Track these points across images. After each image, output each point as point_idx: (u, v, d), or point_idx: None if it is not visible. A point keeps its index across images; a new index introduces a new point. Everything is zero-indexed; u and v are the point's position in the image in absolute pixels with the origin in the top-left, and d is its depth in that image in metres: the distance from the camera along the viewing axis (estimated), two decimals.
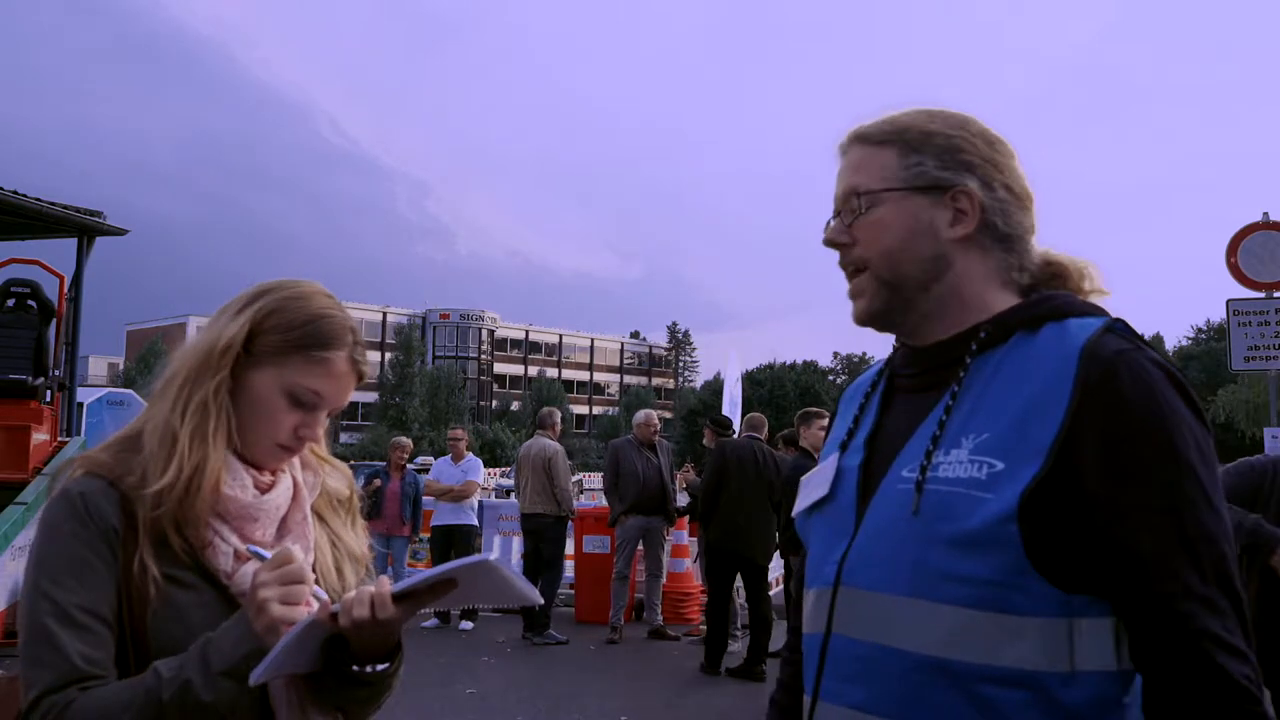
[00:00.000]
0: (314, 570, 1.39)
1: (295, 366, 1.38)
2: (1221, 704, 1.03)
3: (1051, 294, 1.25)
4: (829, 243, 1.32)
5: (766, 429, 8.52)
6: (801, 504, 1.37)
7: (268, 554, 1.32)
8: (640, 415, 9.28)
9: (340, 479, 1.56)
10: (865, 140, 1.30)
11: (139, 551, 1.28)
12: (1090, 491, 1.08)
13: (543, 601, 1.35)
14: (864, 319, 1.31)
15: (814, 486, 1.35)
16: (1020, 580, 1.08)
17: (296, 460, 1.48)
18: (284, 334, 1.39)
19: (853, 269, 1.30)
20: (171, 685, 1.22)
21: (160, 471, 1.30)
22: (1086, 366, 1.11)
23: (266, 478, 1.42)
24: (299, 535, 1.43)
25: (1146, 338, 1.17)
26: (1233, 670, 1.04)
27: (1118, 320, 1.19)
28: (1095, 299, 1.28)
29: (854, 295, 1.31)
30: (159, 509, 1.30)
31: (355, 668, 1.29)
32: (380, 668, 1.31)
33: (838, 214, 1.31)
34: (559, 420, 9.58)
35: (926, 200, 1.25)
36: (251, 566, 1.33)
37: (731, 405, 14.87)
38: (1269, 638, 3.36)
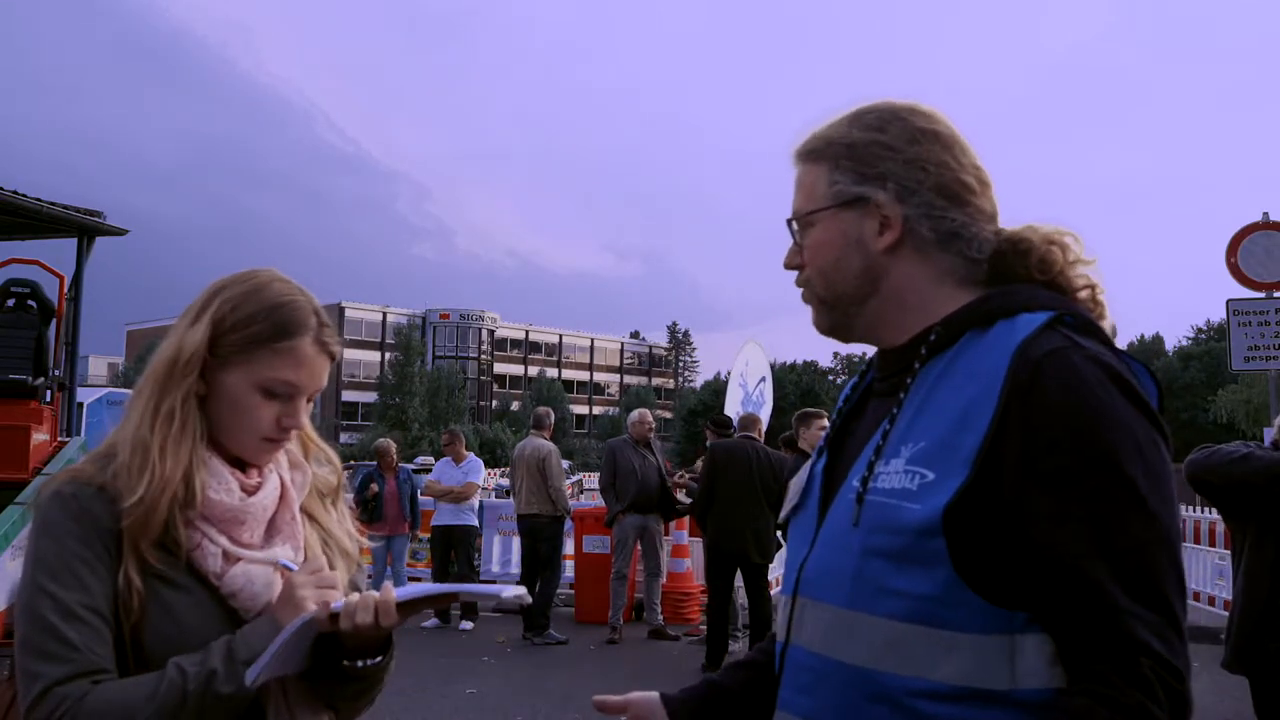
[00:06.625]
0: None
1: (262, 361, 1.38)
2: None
3: (1006, 289, 1.19)
4: (788, 266, 1.32)
5: (760, 427, 8.52)
6: (784, 510, 1.38)
7: (295, 566, 1.37)
8: (634, 414, 9.28)
9: (328, 467, 1.56)
10: (801, 157, 1.30)
11: (125, 561, 1.29)
12: (1011, 501, 1.04)
13: (530, 600, 1.38)
14: (820, 332, 1.33)
15: (794, 492, 1.36)
16: (952, 595, 1.05)
17: (284, 459, 1.48)
18: (245, 331, 1.38)
19: (801, 286, 1.31)
20: (197, 678, 1.24)
21: (136, 484, 1.31)
22: (1015, 368, 1.07)
23: (253, 479, 1.42)
24: (288, 535, 1.43)
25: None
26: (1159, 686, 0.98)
27: (1068, 313, 1.13)
28: (1080, 268, 1.23)
29: (807, 305, 1.33)
30: (136, 519, 1.30)
31: (347, 663, 1.31)
32: (373, 662, 1.33)
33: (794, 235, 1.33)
34: (553, 420, 9.58)
35: (853, 214, 1.23)
36: (241, 568, 1.35)
37: (755, 407, 13.38)
38: None
